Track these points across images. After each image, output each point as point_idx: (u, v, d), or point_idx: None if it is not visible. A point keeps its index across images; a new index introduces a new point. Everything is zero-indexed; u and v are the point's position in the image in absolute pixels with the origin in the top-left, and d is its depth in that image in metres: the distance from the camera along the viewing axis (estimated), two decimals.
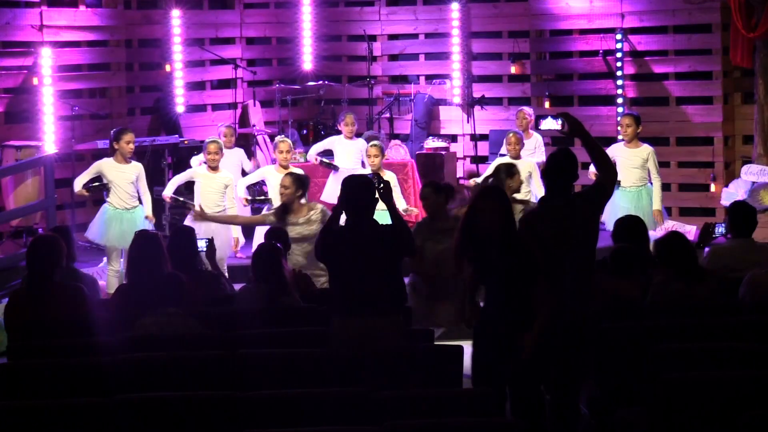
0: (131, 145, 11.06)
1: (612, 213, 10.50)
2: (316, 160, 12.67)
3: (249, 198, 11.65)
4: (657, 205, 11.39)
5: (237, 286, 9.19)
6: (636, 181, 11.39)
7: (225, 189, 11.25)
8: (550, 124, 7.12)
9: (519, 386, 6.53)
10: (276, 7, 15.78)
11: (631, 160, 11.39)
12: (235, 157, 12.36)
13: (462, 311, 6.80)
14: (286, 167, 11.37)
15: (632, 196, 11.35)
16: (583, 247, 6.77)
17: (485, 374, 6.51)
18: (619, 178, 11.08)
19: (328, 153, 12.77)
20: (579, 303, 6.71)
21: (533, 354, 6.49)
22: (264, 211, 11.45)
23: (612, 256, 7.50)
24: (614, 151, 11.36)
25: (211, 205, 11.16)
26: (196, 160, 12.00)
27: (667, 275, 7.35)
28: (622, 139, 11.56)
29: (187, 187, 11.69)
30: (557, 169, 6.87)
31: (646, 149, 11.46)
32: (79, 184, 11.14)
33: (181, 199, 11.39)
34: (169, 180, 12.51)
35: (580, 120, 7.11)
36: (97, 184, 11.00)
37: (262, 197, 11.58)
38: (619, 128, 11.71)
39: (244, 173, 12.35)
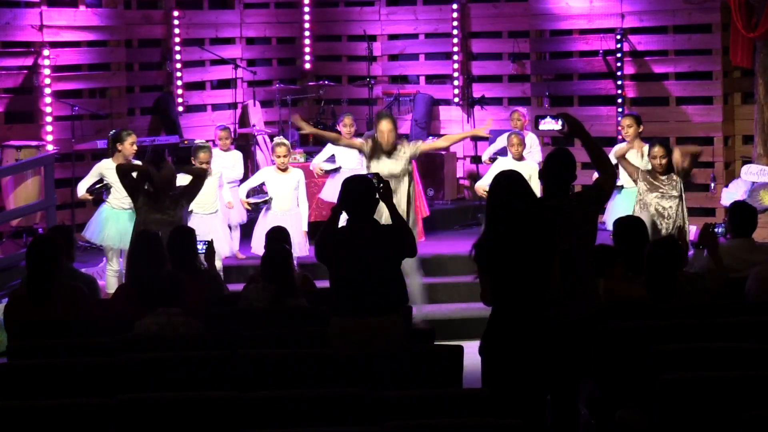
0: (134, 146, 11.06)
1: (612, 212, 10.49)
2: (320, 171, 12.58)
3: (250, 202, 11.64)
4: None
5: (231, 287, 9.21)
6: None
7: (218, 188, 11.24)
8: (550, 124, 7.10)
9: (538, 391, 6.51)
10: (276, 7, 15.78)
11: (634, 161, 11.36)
12: (231, 159, 12.35)
13: None
14: (284, 170, 11.35)
15: (633, 196, 11.33)
16: (582, 247, 6.76)
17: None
18: (622, 180, 11.09)
19: (330, 158, 12.71)
20: (578, 303, 6.71)
21: (534, 359, 6.48)
22: (263, 213, 11.46)
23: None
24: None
25: (208, 205, 11.17)
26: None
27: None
28: (623, 140, 11.54)
29: None
30: (555, 169, 6.86)
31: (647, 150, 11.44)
32: (82, 188, 11.12)
33: None
34: None
35: (580, 120, 7.10)
36: (99, 186, 11.00)
37: (263, 199, 11.57)
38: (620, 129, 11.68)
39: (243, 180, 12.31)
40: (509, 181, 6.52)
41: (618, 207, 10.94)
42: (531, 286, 6.39)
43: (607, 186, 6.95)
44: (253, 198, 11.76)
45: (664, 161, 10.19)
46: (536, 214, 6.45)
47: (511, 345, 6.38)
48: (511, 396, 6.25)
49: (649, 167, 10.88)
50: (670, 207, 10.04)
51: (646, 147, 11.45)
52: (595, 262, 7.35)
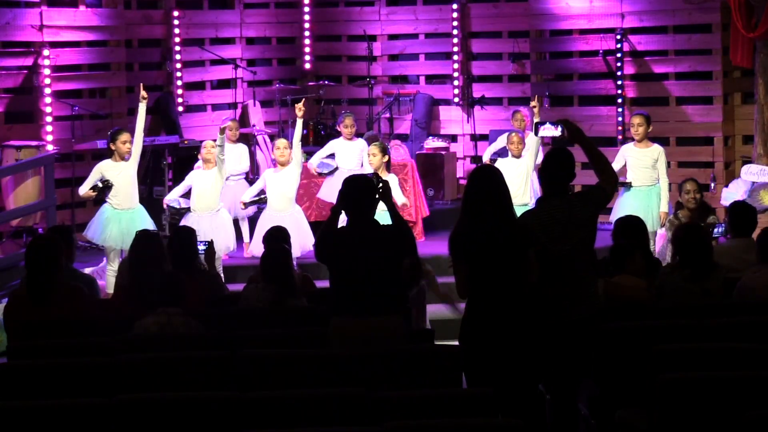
0: (128, 145, 11.04)
1: (621, 212, 10.50)
2: (314, 172, 12.60)
3: (246, 201, 11.65)
4: (664, 207, 11.35)
5: (231, 287, 9.20)
6: (646, 181, 11.37)
7: (220, 187, 11.25)
8: (550, 130, 7.12)
9: (519, 386, 6.52)
10: (276, 7, 15.79)
11: (642, 160, 11.36)
12: (237, 151, 12.38)
13: None
14: (284, 164, 11.37)
15: (643, 195, 11.34)
16: (581, 247, 6.77)
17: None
18: (630, 179, 11.12)
19: (330, 157, 12.70)
20: (578, 304, 6.71)
21: (533, 354, 6.49)
22: (261, 214, 11.47)
23: (610, 253, 7.51)
24: (625, 152, 11.37)
25: (211, 203, 11.16)
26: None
27: (675, 268, 7.41)
28: (632, 138, 11.56)
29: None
30: (552, 168, 6.86)
31: (657, 149, 11.46)
32: (83, 189, 11.13)
33: (177, 207, 11.46)
34: (169, 179, 12.56)
35: (579, 122, 7.11)
36: (100, 185, 10.98)
37: (259, 197, 11.58)
38: (630, 128, 11.65)
39: (248, 180, 12.30)
40: (488, 173, 6.57)
41: (628, 206, 10.95)
42: (506, 277, 6.45)
43: (610, 188, 6.96)
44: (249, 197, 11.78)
45: (698, 195, 10.39)
46: (511, 208, 6.55)
47: (485, 336, 6.44)
48: (491, 387, 6.27)
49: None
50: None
51: (654, 147, 11.45)
52: (612, 258, 7.39)
